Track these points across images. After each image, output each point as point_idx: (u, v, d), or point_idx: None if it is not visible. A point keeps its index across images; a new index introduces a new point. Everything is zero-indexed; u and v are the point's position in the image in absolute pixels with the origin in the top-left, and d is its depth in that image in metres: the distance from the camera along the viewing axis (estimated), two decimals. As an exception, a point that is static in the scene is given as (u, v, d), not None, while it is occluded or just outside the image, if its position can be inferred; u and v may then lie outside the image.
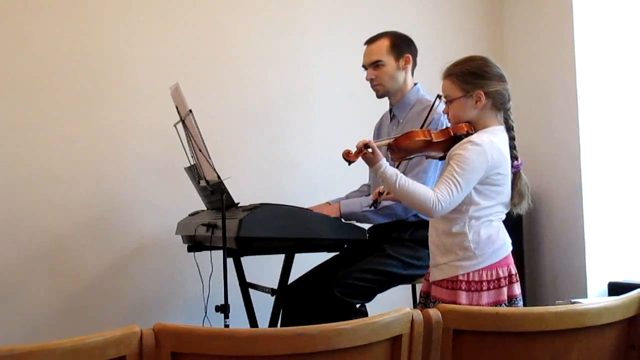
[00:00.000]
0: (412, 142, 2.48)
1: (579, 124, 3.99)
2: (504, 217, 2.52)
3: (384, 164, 2.41)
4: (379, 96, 3.27)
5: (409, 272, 3.07)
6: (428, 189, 2.37)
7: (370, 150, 2.39)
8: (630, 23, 4.04)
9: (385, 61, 3.18)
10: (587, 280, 3.96)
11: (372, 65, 3.21)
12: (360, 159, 2.44)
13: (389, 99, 3.29)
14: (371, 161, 2.42)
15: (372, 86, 3.24)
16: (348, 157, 2.43)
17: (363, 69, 3.27)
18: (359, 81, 3.54)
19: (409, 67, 3.22)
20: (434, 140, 2.48)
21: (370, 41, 3.26)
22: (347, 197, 3.39)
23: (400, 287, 3.20)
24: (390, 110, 3.32)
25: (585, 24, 4.04)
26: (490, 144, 2.41)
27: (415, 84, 3.25)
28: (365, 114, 4.09)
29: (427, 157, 2.75)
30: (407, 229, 3.11)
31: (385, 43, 3.21)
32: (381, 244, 3.10)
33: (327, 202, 3.31)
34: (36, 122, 3.73)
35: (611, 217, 4.00)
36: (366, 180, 3.44)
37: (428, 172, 2.96)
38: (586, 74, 4.02)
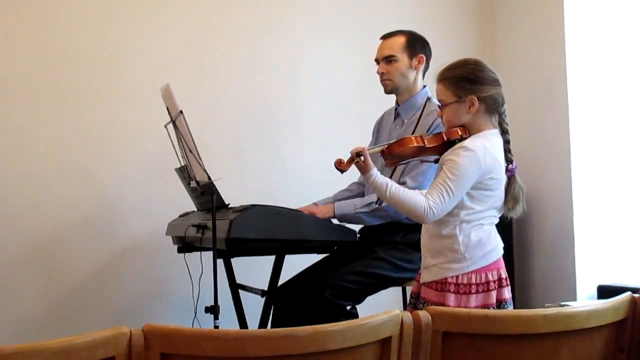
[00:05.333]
0: (406, 149, 2.48)
1: (569, 127, 4.00)
2: (496, 221, 2.51)
3: (375, 173, 2.42)
4: (387, 92, 3.26)
5: (399, 274, 3.07)
6: (420, 196, 2.38)
7: (362, 158, 2.40)
8: (622, 24, 4.06)
9: (398, 57, 3.17)
10: (577, 283, 3.97)
11: (385, 59, 3.20)
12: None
13: (396, 97, 3.28)
14: (363, 170, 2.43)
15: (382, 80, 3.23)
16: (340, 167, 2.44)
17: (375, 63, 3.25)
18: (350, 82, 3.56)
19: (421, 67, 3.21)
20: (427, 146, 2.48)
21: (386, 36, 3.26)
22: (335, 196, 3.38)
23: (390, 289, 3.20)
24: (396, 109, 3.31)
25: (577, 26, 4.05)
26: (483, 149, 2.40)
27: (424, 86, 3.24)
28: (355, 114, 4.12)
29: (421, 161, 2.76)
30: (399, 232, 3.11)
31: (401, 40, 3.20)
32: (372, 246, 3.10)
33: (314, 203, 3.31)
34: (25, 122, 3.71)
35: (601, 221, 4.01)
36: (355, 179, 3.43)
37: (427, 175, 2.95)
38: (577, 76, 4.03)
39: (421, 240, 2.59)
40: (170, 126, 3.04)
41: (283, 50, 4.20)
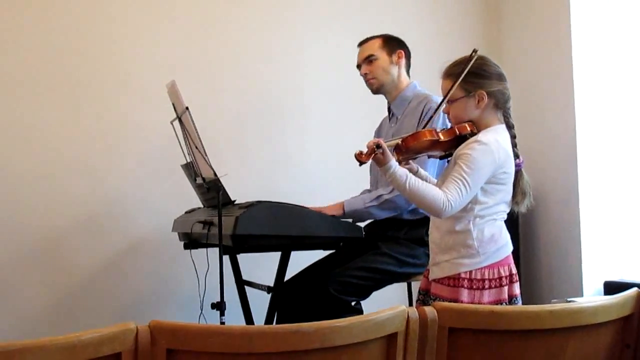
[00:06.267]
0: (420, 142, 2.48)
1: (575, 123, 3.99)
2: (506, 216, 2.51)
3: (394, 164, 2.39)
4: (374, 91, 3.31)
5: (403, 270, 3.07)
6: (438, 190, 2.36)
7: (381, 150, 2.39)
8: (628, 21, 4.04)
9: (377, 55, 3.25)
10: (583, 279, 3.96)
11: (365, 60, 3.27)
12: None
13: (386, 97, 3.31)
14: (381, 162, 2.40)
15: (367, 81, 3.30)
16: (360, 158, 2.42)
17: (357, 69, 3.32)
18: (354, 79, 3.54)
19: (402, 62, 3.27)
20: (442, 139, 2.48)
21: (362, 42, 3.35)
22: None
23: (395, 284, 3.20)
24: (389, 109, 3.33)
25: (583, 23, 4.04)
26: (496, 142, 2.41)
27: (412, 82, 3.29)
28: (360, 111, 4.11)
29: (428, 157, 2.76)
30: (402, 228, 3.12)
31: (377, 41, 3.30)
32: (376, 242, 3.10)
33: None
34: (31, 120, 3.73)
35: (607, 217, 4.00)
36: (362, 182, 3.44)
37: (427, 164, 2.96)
38: (583, 73, 4.02)
39: (430, 237, 2.59)
40: (176, 123, 3.05)
41: (288, 47, 4.20)
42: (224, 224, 2.77)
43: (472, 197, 2.39)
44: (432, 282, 2.54)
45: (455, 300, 2.39)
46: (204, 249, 3.32)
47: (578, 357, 1.85)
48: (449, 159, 2.54)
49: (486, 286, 2.42)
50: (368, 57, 3.26)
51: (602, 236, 4.00)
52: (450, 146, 2.49)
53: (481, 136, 2.43)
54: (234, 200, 3.05)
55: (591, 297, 3.86)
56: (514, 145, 2.49)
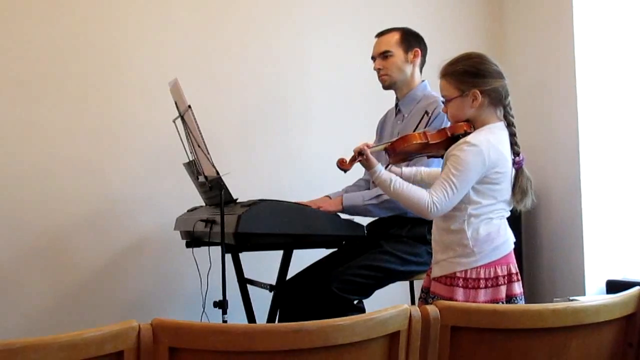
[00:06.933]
0: (409, 145, 2.49)
1: (578, 121, 3.99)
2: (506, 214, 2.50)
3: (379, 169, 2.44)
4: (385, 87, 3.29)
5: (406, 268, 3.07)
6: (423, 191, 2.38)
7: (364, 157, 2.42)
8: (630, 20, 4.04)
9: (393, 52, 3.23)
10: (585, 278, 3.96)
11: (381, 55, 3.25)
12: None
13: (396, 92, 3.31)
14: (366, 167, 2.47)
15: (379, 76, 3.27)
16: (343, 166, 2.47)
17: (372, 60, 3.30)
18: (357, 77, 3.56)
19: (417, 61, 3.26)
20: (431, 142, 2.49)
21: (380, 34, 3.31)
22: (346, 191, 3.39)
23: (398, 283, 3.20)
24: (397, 105, 3.33)
25: (585, 21, 4.04)
26: (487, 142, 2.40)
27: (422, 81, 3.28)
28: (363, 110, 4.11)
29: (428, 157, 2.76)
30: (404, 226, 3.11)
31: (395, 36, 3.26)
32: (379, 241, 3.10)
33: (327, 196, 3.32)
34: (33, 118, 3.72)
35: (610, 215, 4.00)
36: (362, 175, 3.44)
37: (431, 166, 2.94)
38: (586, 71, 4.02)
39: (432, 235, 2.60)
40: (179, 121, 3.05)
41: (291, 45, 4.20)
42: (227, 222, 2.77)
43: (460, 198, 2.40)
44: (432, 280, 2.55)
45: (451, 299, 2.39)
46: (206, 248, 3.33)
47: (580, 356, 1.85)
48: None
49: (482, 285, 2.42)
50: (384, 53, 3.23)
51: (604, 234, 3.99)
52: (444, 147, 2.50)
53: (471, 137, 2.42)
54: (236, 199, 3.05)
55: (594, 295, 3.86)
56: (514, 143, 2.48)
